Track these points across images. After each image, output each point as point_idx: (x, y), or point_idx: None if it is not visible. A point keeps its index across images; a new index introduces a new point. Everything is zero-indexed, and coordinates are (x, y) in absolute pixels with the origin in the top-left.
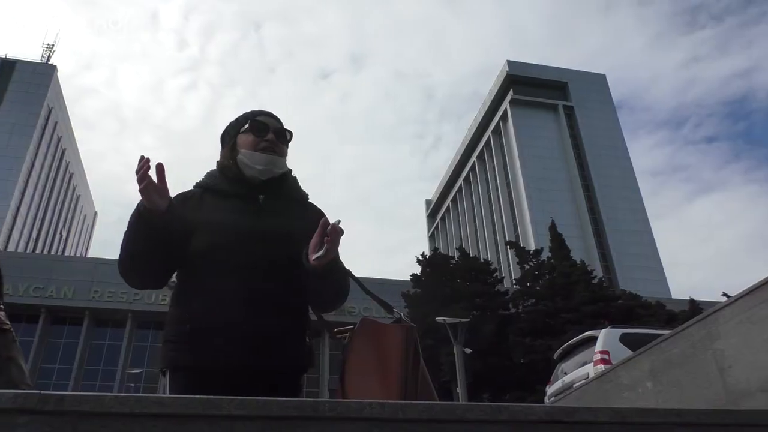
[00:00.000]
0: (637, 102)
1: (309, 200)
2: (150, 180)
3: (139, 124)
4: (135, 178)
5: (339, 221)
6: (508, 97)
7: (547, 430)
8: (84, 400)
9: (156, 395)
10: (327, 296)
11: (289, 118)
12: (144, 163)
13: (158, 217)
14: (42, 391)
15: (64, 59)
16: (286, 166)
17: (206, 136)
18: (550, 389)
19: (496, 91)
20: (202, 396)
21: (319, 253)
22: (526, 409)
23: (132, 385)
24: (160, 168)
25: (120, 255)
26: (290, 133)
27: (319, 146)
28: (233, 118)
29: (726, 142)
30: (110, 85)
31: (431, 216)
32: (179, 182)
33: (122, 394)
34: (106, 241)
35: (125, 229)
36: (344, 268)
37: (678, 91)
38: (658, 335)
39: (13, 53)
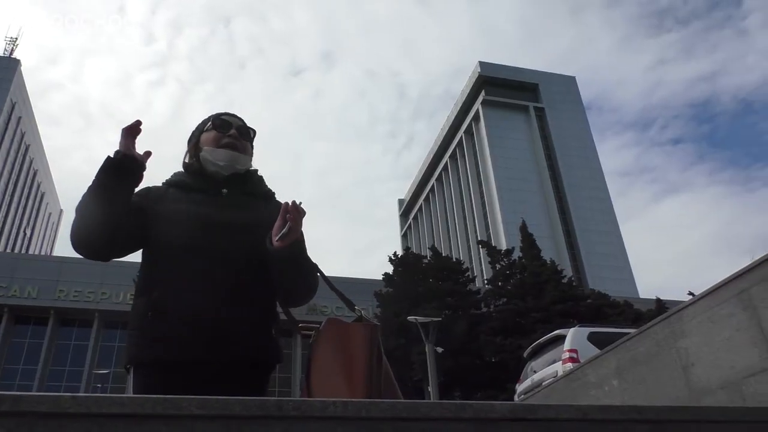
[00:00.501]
0: (605, 103)
1: (275, 198)
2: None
3: (105, 120)
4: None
5: (300, 202)
6: (480, 98)
7: (511, 428)
8: (41, 401)
9: (115, 395)
10: (293, 285)
11: (259, 114)
12: (137, 123)
13: (130, 163)
14: None
15: (28, 53)
16: (250, 164)
17: (175, 133)
18: (520, 387)
19: (468, 91)
20: (161, 396)
21: (283, 231)
22: (489, 406)
23: (99, 385)
24: (147, 153)
25: (78, 205)
26: (253, 131)
27: (290, 143)
28: (200, 119)
29: (691, 143)
30: (75, 80)
31: (404, 215)
32: (148, 181)
33: (80, 395)
34: None
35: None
36: (311, 261)
37: (645, 93)
38: (625, 334)
39: None
